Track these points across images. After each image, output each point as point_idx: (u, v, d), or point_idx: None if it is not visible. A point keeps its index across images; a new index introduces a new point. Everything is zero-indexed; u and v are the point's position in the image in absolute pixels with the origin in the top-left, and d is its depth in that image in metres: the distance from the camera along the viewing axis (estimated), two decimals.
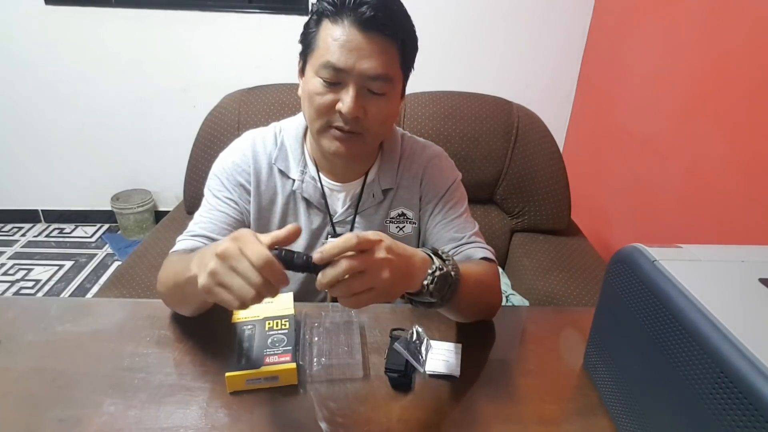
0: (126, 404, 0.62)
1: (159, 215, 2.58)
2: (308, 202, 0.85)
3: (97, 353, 0.71)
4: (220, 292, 0.50)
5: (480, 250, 0.83)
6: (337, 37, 0.68)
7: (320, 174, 0.85)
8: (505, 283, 1.34)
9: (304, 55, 0.75)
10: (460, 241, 0.85)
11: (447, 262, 0.62)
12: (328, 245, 0.51)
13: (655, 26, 1.72)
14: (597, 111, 2.18)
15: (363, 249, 0.52)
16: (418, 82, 1.80)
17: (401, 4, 0.73)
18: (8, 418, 0.60)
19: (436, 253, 0.63)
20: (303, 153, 0.85)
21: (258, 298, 0.50)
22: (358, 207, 0.86)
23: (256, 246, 0.50)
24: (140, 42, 2.23)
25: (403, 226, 0.89)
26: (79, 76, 2.28)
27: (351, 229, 0.87)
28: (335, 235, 0.86)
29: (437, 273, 0.59)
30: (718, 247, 0.61)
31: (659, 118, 1.67)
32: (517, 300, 1.25)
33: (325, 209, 0.86)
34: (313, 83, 0.72)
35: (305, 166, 0.85)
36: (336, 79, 0.70)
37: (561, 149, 1.50)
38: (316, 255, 0.51)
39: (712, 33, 1.43)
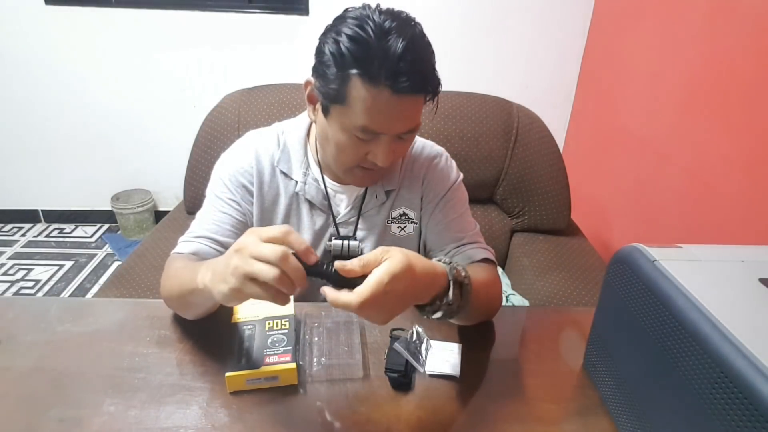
0: (126, 404, 0.62)
1: (159, 215, 2.58)
2: (311, 204, 0.85)
3: (97, 353, 0.71)
4: (248, 286, 0.51)
5: (480, 251, 0.84)
6: (371, 104, 0.66)
7: (324, 175, 0.85)
8: (505, 283, 1.34)
9: (328, 102, 0.70)
10: (461, 241, 0.85)
11: (463, 276, 0.64)
12: (356, 260, 0.53)
13: (654, 26, 1.72)
14: (597, 111, 2.18)
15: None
16: None
17: (427, 49, 0.71)
18: (8, 418, 0.60)
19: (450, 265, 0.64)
20: (306, 155, 0.85)
21: (284, 281, 0.50)
22: (361, 208, 0.86)
23: (270, 228, 0.52)
24: (140, 42, 2.23)
25: (405, 226, 0.89)
26: (79, 76, 2.28)
27: (354, 230, 0.87)
28: (338, 236, 0.86)
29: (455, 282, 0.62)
30: (718, 247, 0.61)
31: (659, 118, 1.67)
32: (517, 300, 1.25)
33: (328, 210, 0.86)
34: (344, 137, 0.71)
35: (308, 167, 0.84)
36: (370, 138, 0.70)
37: (561, 149, 1.50)
38: (339, 264, 0.52)
39: (711, 33, 1.43)
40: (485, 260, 0.83)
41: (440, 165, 0.89)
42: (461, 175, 0.91)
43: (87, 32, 2.20)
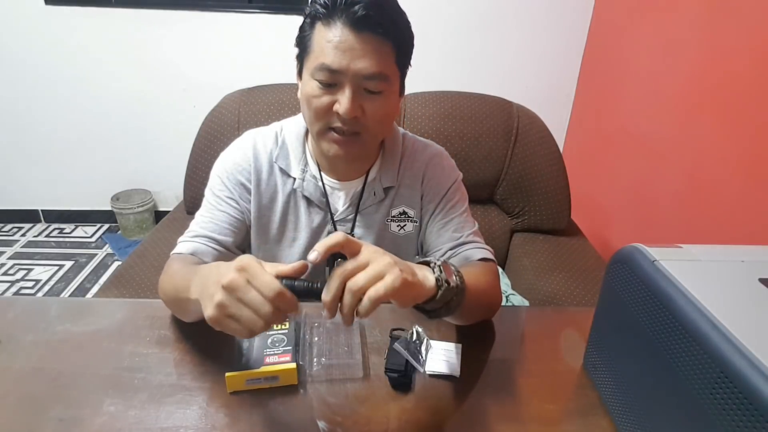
0: (126, 404, 0.62)
1: (159, 215, 2.58)
2: (309, 201, 0.85)
3: (97, 353, 0.71)
4: (228, 324, 0.49)
5: (479, 251, 0.83)
6: (330, 39, 0.68)
7: (321, 172, 0.85)
8: (505, 283, 1.34)
9: (301, 59, 0.75)
10: (459, 240, 0.85)
11: (452, 271, 0.61)
12: (319, 243, 0.50)
13: (655, 26, 1.72)
14: (597, 111, 2.18)
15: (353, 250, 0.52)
16: (418, 82, 1.79)
17: (394, 1, 0.72)
18: (8, 418, 0.60)
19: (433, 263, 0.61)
20: (304, 152, 0.85)
21: (266, 327, 0.49)
22: (359, 206, 0.86)
23: (265, 277, 0.49)
24: (140, 42, 2.23)
25: (404, 225, 0.89)
26: (79, 76, 2.28)
27: (352, 228, 0.87)
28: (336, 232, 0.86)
29: (443, 276, 0.58)
30: (718, 247, 0.61)
31: (659, 118, 1.67)
32: (517, 300, 1.25)
33: (326, 208, 0.86)
34: (309, 86, 0.72)
35: (306, 164, 0.84)
36: (332, 81, 0.70)
37: (561, 149, 1.50)
38: (311, 255, 0.49)
39: (712, 33, 1.43)
40: (484, 260, 0.83)
41: (440, 164, 0.89)
42: (461, 175, 0.91)
43: (87, 32, 2.20)
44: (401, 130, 0.91)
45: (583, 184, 2.09)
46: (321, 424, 0.61)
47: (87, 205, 2.60)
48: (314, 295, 0.51)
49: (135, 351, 0.71)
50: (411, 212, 0.88)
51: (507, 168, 1.38)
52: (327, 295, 0.49)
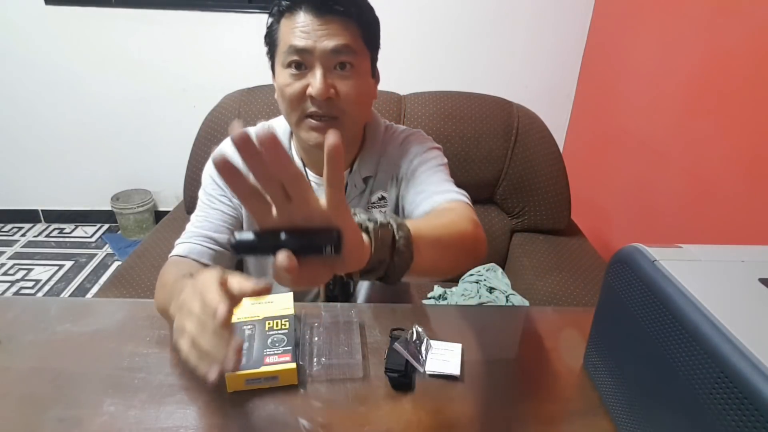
0: (126, 404, 0.62)
1: (159, 215, 2.58)
2: None
3: (97, 353, 0.71)
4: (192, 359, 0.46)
5: (440, 196, 0.76)
6: (295, 26, 0.71)
7: (306, 170, 0.86)
8: (505, 283, 1.34)
9: (271, 54, 0.77)
10: (420, 195, 0.79)
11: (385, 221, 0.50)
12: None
13: (655, 26, 1.72)
14: (597, 111, 2.18)
15: None
16: (418, 82, 1.80)
17: None
18: (8, 418, 0.60)
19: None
20: (290, 148, 0.86)
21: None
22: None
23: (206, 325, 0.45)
24: (140, 42, 2.23)
25: (384, 209, 0.89)
26: (79, 76, 2.28)
27: None
28: None
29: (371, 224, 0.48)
30: (718, 247, 0.60)
31: (659, 118, 1.67)
32: (517, 300, 1.25)
33: None
34: (282, 76, 0.74)
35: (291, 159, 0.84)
36: (301, 61, 0.72)
37: (561, 149, 1.50)
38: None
39: (712, 33, 1.43)
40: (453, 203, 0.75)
41: (412, 140, 0.87)
42: (435, 145, 0.87)
43: (87, 32, 2.20)
44: (385, 121, 0.91)
45: (583, 184, 2.09)
46: (321, 424, 0.61)
47: (87, 205, 2.60)
48: (275, 246, 0.38)
49: (135, 351, 0.71)
50: (386, 194, 0.88)
51: (507, 168, 1.38)
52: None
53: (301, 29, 0.70)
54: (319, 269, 0.41)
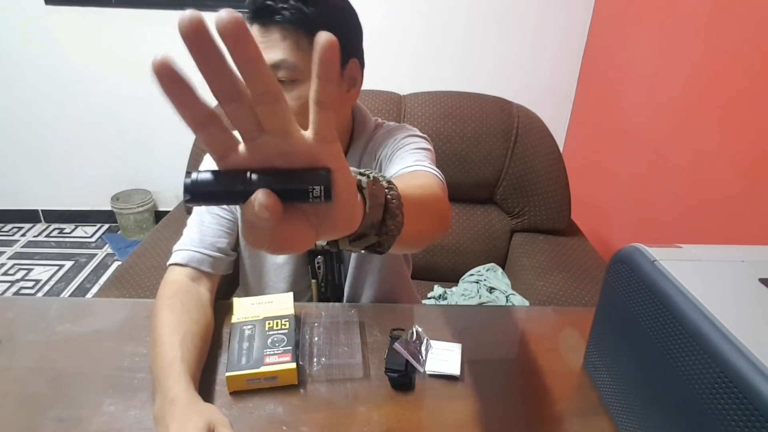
0: (126, 404, 0.62)
1: (159, 215, 2.58)
2: None
3: (97, 353, 0.71)
4: None
5: (414, 167, 0.71)
6: None
7: None
8: (505, 284, 1.34)
9: None
10: (398, 165, 0.74)
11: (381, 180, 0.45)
12: None
13: (654, 26, 1.72)
14: (597, 111, 2.18)
15: None
16: (418, 82, 1.80)
17: None
18: (8, 418, 0.60)
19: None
20: None
21: None
22: None
23: None
24: (140, 42, 2.23)
25: None
26: (79, 76, 2.28)
27: None
28: None
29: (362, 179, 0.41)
30: (718, 247, 0.60)
31: (659, 118, 1.67)
32: (517, 300, 1.25)
33: None
34: None
35: None
36: None
37: (561, 149, 1.50)
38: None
39: (712, 33, 1.43)
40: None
41: (389, 131, 0.84)
42: (415, 132, 0.84)
43: (87, 32, 2.20)
44: (376, 120, 0.89)
45: (583, 184, 2.09)
46: (321, 424, 0.61)
47: (87, 205, 2.60)
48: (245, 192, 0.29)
49: (135, 351, 0.71)
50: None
51: (507, 168, 1.38)
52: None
53: None
54: (302, 228, 0.32)
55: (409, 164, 0.72)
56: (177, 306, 0.70)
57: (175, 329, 0.66)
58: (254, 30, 0.68)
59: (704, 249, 0.59)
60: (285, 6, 0.66)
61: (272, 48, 0.67)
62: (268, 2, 0.66)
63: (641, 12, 1.82)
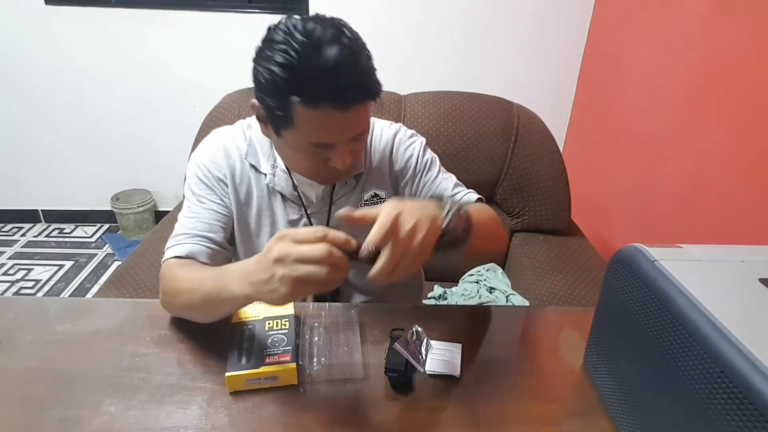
0: (126, 404, 0.62)
1: (159, 215, 2.58)
2: (283, 196, 0.86)
3: (97, 353, 0.71)
4: (301, 291, 0.53)
5: (473, 194, 0.89)
6: (319, 124, 0.67)
7: (290, 173, 0.85)
8: (505, 283, 1.34)
9: (275, 120, 0.70)
10: (447, 192, 0.89)
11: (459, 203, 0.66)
12: (371, 237, 0.54)
13: (654, 26, 1.72)
14: (597, 111, 2.18)
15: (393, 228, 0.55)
16: (418, 82, 1.80)
17: (362, 53, 0.66)
18: (8, 418, 0.60)
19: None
20: (272, 148, 0.84)
21: (333, 274, 0.53)
22: (333, 197, 0.87)
23: (304, 230, 0.54)
24: (140, 42, 2.23)
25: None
26: (79, 76, 2.28)
27: (327, 219, 0.87)
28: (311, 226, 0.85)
29: (452, 206, 0.63)
30: (718, 247, 0.60)
31: (659, 118, 1.67)
32: (517, 300, 1.25)
33: (299, 201, 0.86)
34: (299, 153, 0.74)
35: (275, 160, 0.84)
36: (325, 149, 0.72)
37: (561, 149, 1.50)
38: (365, 248, 0.54)
39: (712, 33, 1.43)
40: (480, 201, 0.88)
41: (403, 138, 0.91)
42: (423, 140, 0.93)
43: (87, 32, 2.20)
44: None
45: (583, 184, 2.09)
46: (321, 424, 0.61)
47: (87, 205, 2.61)
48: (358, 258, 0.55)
49: (135, 351, 0.71)
50: (382, 193, 0.89)
51: (507, 168, 1.38)
52: (380, 272, 0.55)
53: (324, 125, 0.67)
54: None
55: (453, 191, 0.89)
56: (188, 266, 0.74)
57: (198, 267, 0.73)
58: (327, 110, 0.65)
59: (704, 249, 0.59)
60: (366, 93, 0.67)
61: (357, 124, 0.71)
62: (358, 93, 0.66)
63: (641, 12, 1.82)
